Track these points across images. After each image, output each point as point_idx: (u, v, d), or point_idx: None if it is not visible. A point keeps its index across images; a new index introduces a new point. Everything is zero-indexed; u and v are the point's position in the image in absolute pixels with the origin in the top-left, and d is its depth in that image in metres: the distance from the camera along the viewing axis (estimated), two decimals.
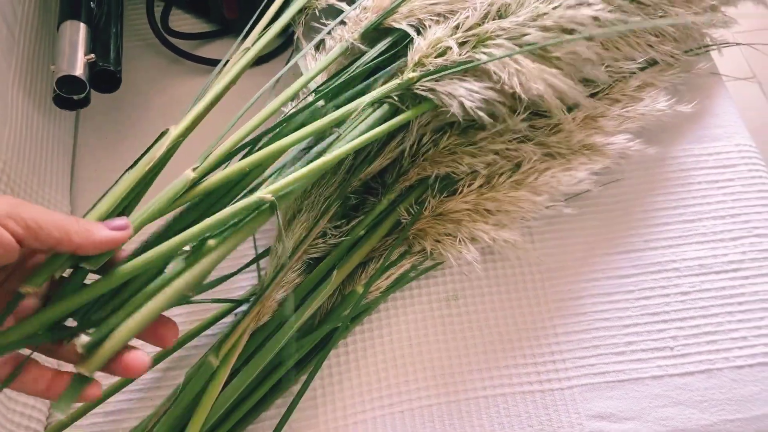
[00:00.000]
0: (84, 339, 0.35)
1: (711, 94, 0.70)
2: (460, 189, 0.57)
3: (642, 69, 0.63)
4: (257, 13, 0.52)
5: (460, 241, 0.54)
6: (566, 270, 0.59)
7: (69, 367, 0.37)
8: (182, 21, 0.73)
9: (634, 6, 0.60)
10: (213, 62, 0.68)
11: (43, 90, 0.61)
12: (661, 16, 0.63)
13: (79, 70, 0.54)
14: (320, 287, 0.52)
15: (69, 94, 0.55)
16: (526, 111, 0.56)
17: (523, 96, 0.49)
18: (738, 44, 0.73)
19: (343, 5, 0.58)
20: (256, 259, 0.57)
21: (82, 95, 0.56)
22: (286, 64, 0.66)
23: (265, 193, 0.41)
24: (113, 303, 0.37)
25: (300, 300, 0.52)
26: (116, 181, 0.41)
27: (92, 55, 0.56)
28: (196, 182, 0.41)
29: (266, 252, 0.57)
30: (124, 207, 0.39)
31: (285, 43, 0.69)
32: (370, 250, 0.55)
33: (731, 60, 1.41)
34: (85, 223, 0.35)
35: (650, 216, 0.62)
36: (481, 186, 0.57)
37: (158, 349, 0.49)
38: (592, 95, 0.60)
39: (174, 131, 0.42)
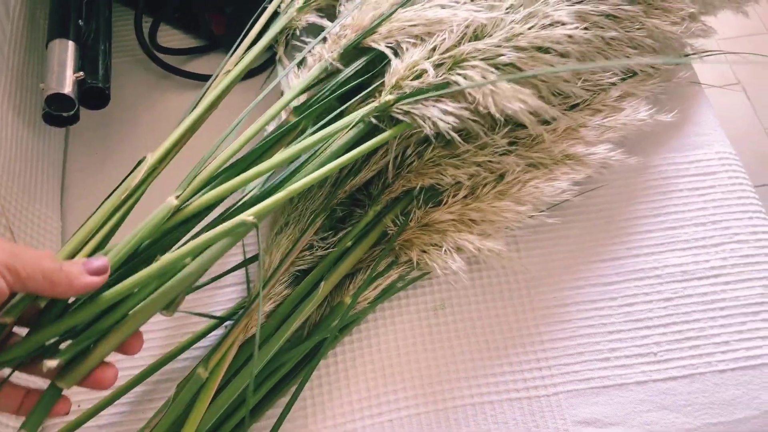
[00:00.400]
0: (52, 363, 0.37)
1: (692, 103, 0.71)
2: (445, 200, 0.57)
3: (622, 80, 0.64)
4: (245, 30, 0.53)
5: (445, 251, 0.55)
6: (551, 278, 0.60)
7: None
8: (171, 36, 0.73)
9: (609, 21, 0.61)
10: (201, 77, 0.69)
11: (33, 107, 0.62)
12: (638, 29, 0.64)
13: (67, 88, 0.55)
14: (308, 299, 0.53)
15: (58, 112, 0.56)
16: (507, 125, 0.57)
17: (497, 116, 0.50)
18: (718, 52, 0.74)
19: (325, 22, 0.59)
20: (242, 265, 0.57)
21: (72, 112, 0.56)
22: (268, 79, 0.67)
23: (246, 215, 0.42)
24: (93, 327, 0.39)
25: (288, 312, 0.53)
26: (95, 210, 0.42)
27: (81, 73, 0.56)
28: (178, 208, 0.42)
29: (255, 257, 0.58)
30: (104, 236, 0.41)
31: (272, 57, 0.70)
32: (357, 261, 0.56)
33: (716, 67, 1.43)
34: (68, 270, 0.36)
35: (633, 224, 0.63)
36: (465, 196, 0.58)
37: (148, 362, 0.50)
38: (574, 106, 0.62)
39: (150, 159, 0.43)
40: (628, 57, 0.64)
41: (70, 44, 0.57)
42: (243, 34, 0.56)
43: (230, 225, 0.41)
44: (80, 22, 0.59)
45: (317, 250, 0.55)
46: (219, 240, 0.42)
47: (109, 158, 0.67)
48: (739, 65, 1.44)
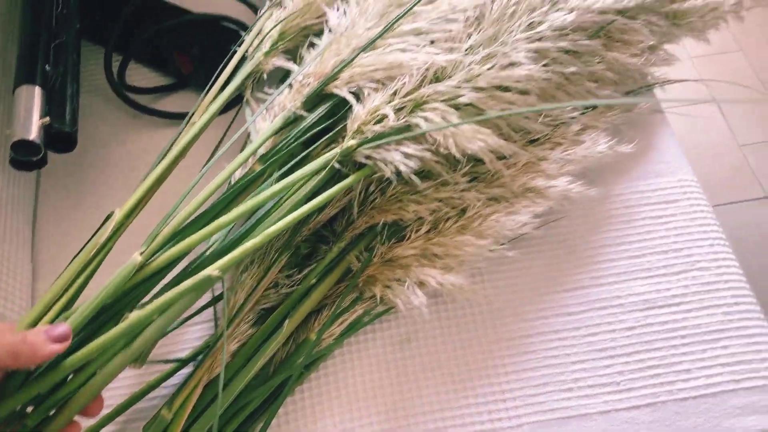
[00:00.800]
0: None
1: (654, 130, 0.72)
2: (408, 235, 0.58)
3: (583, 113, 0.65)
4: (212, 79, 0.54)
5: (408, 286, 0.56)
6: (515, 309, 0.61)
7: None
8: (141, 74, 0.74)
9: (569, 56, 0.62)
10: (170, 115, 0.70)
11: (3, 151, 0.63)
12: (598, 63, 0.65)
13: (33, 134, 0.56)
14: (272, 337, 0.54)
15: (25, 157, 0.57)
16: (468, 161, 0.58)
17: (458, 156, 0.51)
18: (677, 81, 0.75)
19: (291, 65, 0.60)
20: (208, 305, 0.58)
21: (38, 157, 0.57)
22: (236, 117, 0.68)
23: (212, 269, 0.43)
24: (57, 393, 0.40)
25: (253, 350, 0.54)
26: (66, 267, 0.43)
27: (47, 118, 0.57)
28: (143, 265, 0.43)
29: (221, 296, 0.59)
30: (72, 295, 0.42)
31: (240, 96, 0.71)
32: (322, 297, 0.57)
33: (690, 84, 1.45)
34: (32, 340, 0.38)
35: (596, 253, 0.64)
36: (428, 231, 0.59)
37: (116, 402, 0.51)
38: (534, 141, 0.63)
39: (118, 214, 0.44)
40: (588, 91, 0.66)
41: (37, 90, 0.58)
42: (210, 83, 0.57)
43: (196, 280, 0.42)
44: (47, 67, 0.60)
45: (282, 287, 0.56)
46: (185, 296, 0.42)
47: (81, 198, 0.67)
48: (713, 82, 1.46)
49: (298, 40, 0.65)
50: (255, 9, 0.73)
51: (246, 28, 0.70)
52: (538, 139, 0.63)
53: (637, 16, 0.70)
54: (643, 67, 0.71)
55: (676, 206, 0.67)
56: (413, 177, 0.51)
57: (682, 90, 1.39)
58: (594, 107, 0.67)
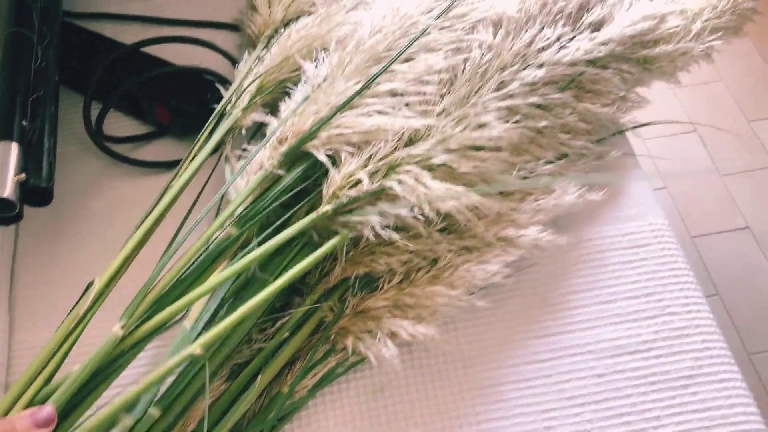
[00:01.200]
0: None
1: (625, 174, 0.73)
2: (381, 285, 0.59)
3: (552, 162, 0.66)
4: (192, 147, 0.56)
5: (379, 338, 0.57)
6: (487, 357, 0.62)
7: None
8: (119, 121, 0.75)
9: (540, 110, 0.64)
10: (149, 164, 0.71)
11: None
12: (570, 114, 0.67)
13: (8, 191, 0.57)
14: (245, 393, 0.54)
15: (0, 213, 0.58)
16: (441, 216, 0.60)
17: (432, 216, 0.52)
18: (648, 124, 0.77)
19: (270, 119, 0.62)
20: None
21: (14, 213, 0.58)
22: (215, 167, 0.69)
23: (195, 347, 0.44)
24: None
25: (226, 407, 0.54)
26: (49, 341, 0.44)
27: (23, 175, 0.58)
28: (123, 337, 0.45)
29: None
30: (54, 367, 0.42)
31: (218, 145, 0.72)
32: (295, 350, 0.58)
33: (671, 111, 1.47)
34: (20, 428, 0.38)
35: (567, 299, 0.65)
36: (401, 281, 0.59)
37: None
38: (504, 192, 0.64)
39: (98, 284, 0.45)
40: (561, 142, 0.67)
41: (13, 146, 0.59)
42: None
43: (179, 359, 0.44)
44: (24, 122, 0.61)
45: (255, 342, 0.57)
46: (168, 375, 0.44)
47: (59, 248, 0.68)
48: (692, 107, 1.48)
49: (276, 93, 0.67)
50: (233, 60, 0.75)
51: (224, 79, 0.71)
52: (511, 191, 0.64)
53: (608, 65, 0.71)
54: (614, 114, 0.72)
55: (647, 250, 0.68)
56: (393, 234, 0.53)
57: (664, 114, 1.40)
58: (566, 155, 0.68)
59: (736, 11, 0.85)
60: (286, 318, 0.58)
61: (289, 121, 0.57)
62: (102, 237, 0.69)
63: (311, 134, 0.55)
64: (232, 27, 0.83)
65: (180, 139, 0.74)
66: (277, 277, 0.52)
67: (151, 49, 0.75)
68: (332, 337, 0.58)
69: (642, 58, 0.75)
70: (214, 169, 0.71)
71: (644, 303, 0.65)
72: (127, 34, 0.81)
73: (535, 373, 0.61)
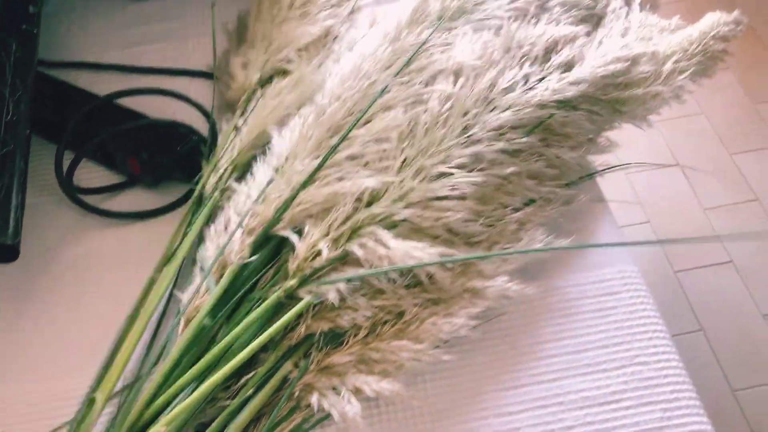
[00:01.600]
0: None
1: (594, 219, 0.74)
2: (346, 340, 0.59)
3: (517, 209, 0.67)
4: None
5: (343, 395, 0.57)
6: (456, 410, 0.62)
7: None
8: (92, 171, 0.76)
9: (506, 156, 0.64)
10: (120, 215, 0.71)
11: None
12: (536, 160, 0.67)
13: None
14: None
15: None
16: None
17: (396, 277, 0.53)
18: (618, 167, 0.77)
19: (242, 188, 0.63)
20: None
21: None
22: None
23: (160, 426, 0.44)
24: None
25: None
26: None
27: None
28: None
29: None
30: None
31: (189, 193, 0.72)
32: (259, 408, 0.57)
33: (653, 144, 1.47)
34: None
35: (535, 349, 0.65)
36: (366, 336, 0.59)
37: None
38: (472, 242, 0.64)
39: (100, 399, 0.45)
40: (528, 188, 0.67)
41: None
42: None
43: None
44: None
45: (219, 401, 0.56)
46: None
47: (30, 300, 0.68)
48: (676, 144, 1.49)
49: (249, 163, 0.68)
50: (207, 114, 0.75)
51: (195, 131, 0.72)
52: (475, 240, 0.64)
53: (579, 106, 0.72)
54: (583, 157, 0.73)
55: (616, 298, 0.68)
56: (358, 299, 0.53)
57: (648, 154, 1.41)
58: (533, 201, 0.68)
59: (707, 54, 0.86)
60: (251, 375, 0.58)
61: (254, 209, 0.58)
62: (70, 293, 0.68)
63: (276, 219, 0.57)
64: (208, 75, 0.84)
65: (152, 189, 0.74)
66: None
67: (126, 99, 0.76)
68: (297, 393, 0.58)
69: (613, 99, 0.76)
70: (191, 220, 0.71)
71: (613, 353, 0.65)
72: (103, 83, 0.82)
73: (504, 425, 0.61)
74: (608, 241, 0.72)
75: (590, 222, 0.73)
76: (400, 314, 0.60)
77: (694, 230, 1.35)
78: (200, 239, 0.65)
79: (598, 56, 0.74)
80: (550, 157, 0.69)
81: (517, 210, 0.66)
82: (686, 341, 1.16)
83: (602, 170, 0.75)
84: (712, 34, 0.87)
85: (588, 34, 0.80)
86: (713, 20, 0.88)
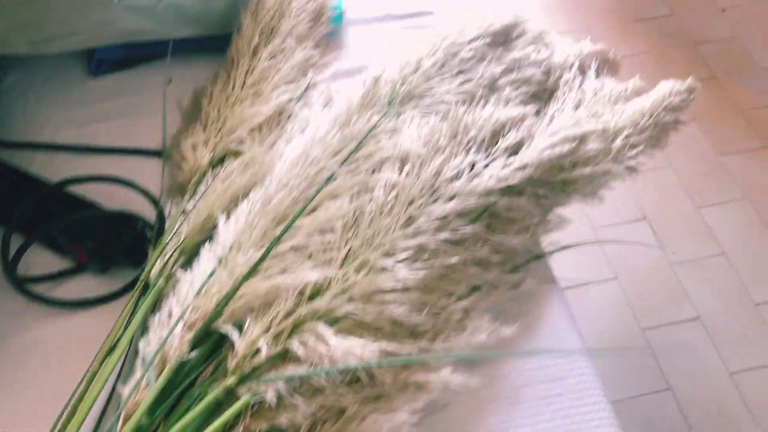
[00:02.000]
0: None
1: (544, 302, 0.74)
2: None
3: (460, 297, 0.67)
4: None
5: None
6: None
7: None
8: (39, 257, 0.75)
9: (450, 245, 0.64)
10: (66, 304, 0.71)
11: None
12: (481, 247, 0.67)
13: None
14: None
15: None
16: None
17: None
18: (567, 247, 0.77)
19: (187, 277, 0.62)
20: None
21: None
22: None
23: None
24: None
25: None
26: None
27: None
28: None
29: None
30: None
31: (135, 280, 0.72)
32: None
33: (620, 198, 1.49)
34: None
35: None
36: None
37: None
38: (413, 332, 0.64)
39: None
40: (473, 275, 0.67)
41: None
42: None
43: None
44: None
45: None
46: None
47: None
48: (646, 198, 1.50)
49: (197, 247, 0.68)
50: (155, 201, 0.75)
51: (140, 218, 0.72)
52: (418, 331, 0.64)
53: (524, 191, 0.72)
54: (530, 241, 0.73)
55: (563, 384, 0.68)
56: (296, 399, 0.53)
57: (615, 210, 1.41)
58: (478, 287, 0.68)
59: (658, 126, 0.87)
60: None
61: (195, 303, 0.58)
62: (12, 384, 0.67)
63: (217, 313, 0.56)
64: (162, 154, 0.84)
65: (101, 275, 0.74)
66: None
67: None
68: None
69: (560, 181, 0.76)
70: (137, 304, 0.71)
71: None
72: (57, 165, 0.82)
73: None
74: (557, 323, 0.72)
75: (538, 304, 0.73)
76: (341, 411, 0.59)
77: (662, 286, 1.35)
78: (144, 328, 0.65)
79: (546, 135, 0.75)
80: (495, 243, 0.69)
81: (461, 298, 0.66)
82: (654, 400, 1.16)
83: (550, 251, 0.75)
84: (664, 104, 0.88)
85: (538, 112, 0.81)
86: (666, 90, 0.89)
